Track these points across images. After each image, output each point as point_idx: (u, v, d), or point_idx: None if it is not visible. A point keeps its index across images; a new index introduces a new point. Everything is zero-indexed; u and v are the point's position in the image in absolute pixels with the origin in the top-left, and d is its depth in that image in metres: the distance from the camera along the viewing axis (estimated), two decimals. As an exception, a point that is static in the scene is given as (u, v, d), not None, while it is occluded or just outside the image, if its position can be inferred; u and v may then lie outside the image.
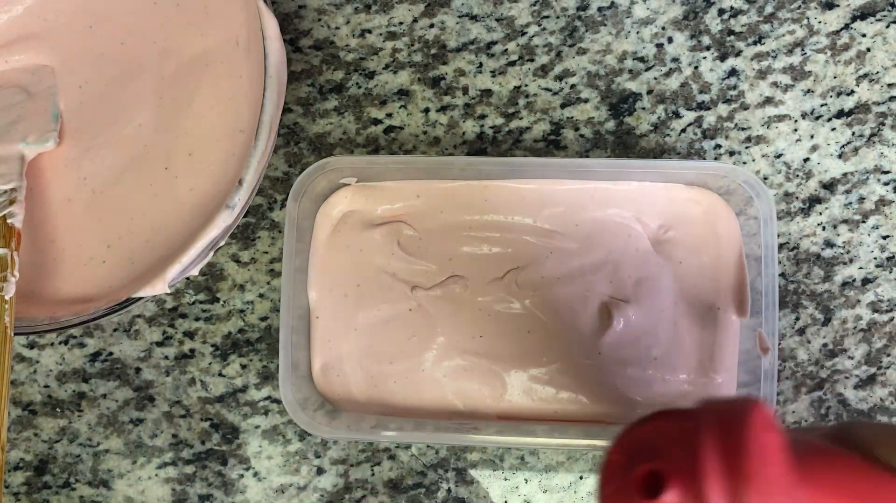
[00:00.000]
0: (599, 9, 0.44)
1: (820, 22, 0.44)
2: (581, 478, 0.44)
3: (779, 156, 0.44)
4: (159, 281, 0.37)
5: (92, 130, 0.41)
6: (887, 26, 0.44)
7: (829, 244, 0.43)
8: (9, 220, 0.37)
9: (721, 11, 0.44)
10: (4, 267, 0.36)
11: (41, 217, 0.41)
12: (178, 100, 0.41)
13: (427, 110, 0.44)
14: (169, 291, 0.38)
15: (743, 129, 0.44)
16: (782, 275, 0.43)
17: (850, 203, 0.43)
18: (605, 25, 0.44)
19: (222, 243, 0.39)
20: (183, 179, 0.40)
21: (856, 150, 0.43)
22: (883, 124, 0.43)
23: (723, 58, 0.44)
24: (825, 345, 0.43)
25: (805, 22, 0.44)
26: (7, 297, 0.35)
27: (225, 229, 0.37)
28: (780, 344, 0.43)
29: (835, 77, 0.44)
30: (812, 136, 0.43)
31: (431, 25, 0.44)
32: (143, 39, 0.41)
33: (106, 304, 0.38)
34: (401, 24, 0.44)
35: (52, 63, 0.42)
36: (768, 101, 0.44)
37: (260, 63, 0.38)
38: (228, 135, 0.40)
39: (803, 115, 0.43)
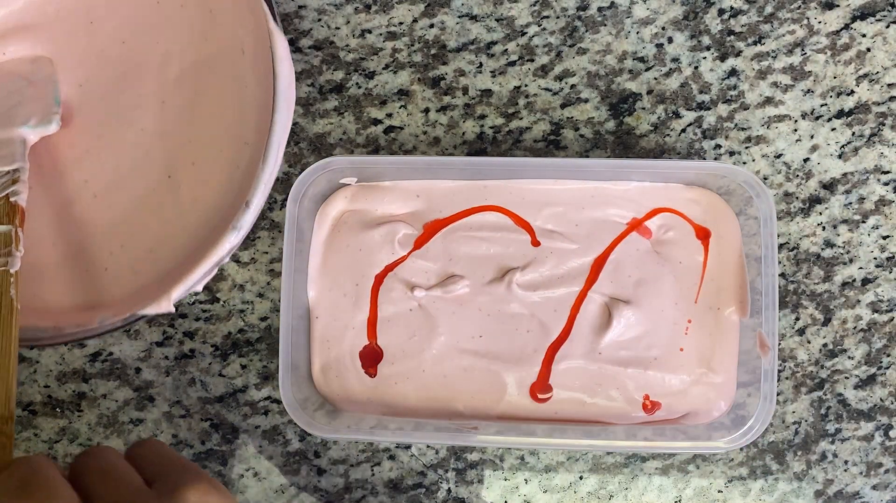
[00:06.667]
0: (599, 9, 0.44)
1: (820, 22, 0.44)
2: (581, 478, 0.44)
3: (779, 156, 0.44)
4: (164, 300, 0.37)
5: (93, 131, 0.41)
6: (887, 26, 0.44)
7: (829, 244, 0.43)
8: (12, 198, 0.37)
9: (721, 11, 0.44)
10: (9, 242, 0.36)
11: (43, 222, 0.41)
12: (181, 105, 0.40)
13: (427, 110, 0.44)
14: (174, 311, 0.38)
15: (743, 129, 0.44)
16: (782, 275, 0.43)
17: (850, 203, 0.43)
18: (605, 25, 0.44)
19: (227, 261, 0.38)
20: (186, 189, 0.40)
21: (856, 150, 0.43)
22: (883, 124, 0.43)
23: (723, 58, 0.44)
24: (825, 345, 0.43)
25: (805, 22, 0.44)
26: (12, 271, 0.35)
27: (230, 250, 0.37)
28: (780, 344, 0.43)
29: (835, 77, 0.44)
30: (812, 136, 0.43)
31: (431, 25, 0.44)
32: (146, 39, 0.41)
33: (112, 314, 0.38)
34: (401, 24, 0.44)
35: (51, 57, 0.41)
36: (768, 101, 0.44)
37: (267, 73, 0.37)
38: (233, 146, 0.39)
39: (803, 115, 0.43)
